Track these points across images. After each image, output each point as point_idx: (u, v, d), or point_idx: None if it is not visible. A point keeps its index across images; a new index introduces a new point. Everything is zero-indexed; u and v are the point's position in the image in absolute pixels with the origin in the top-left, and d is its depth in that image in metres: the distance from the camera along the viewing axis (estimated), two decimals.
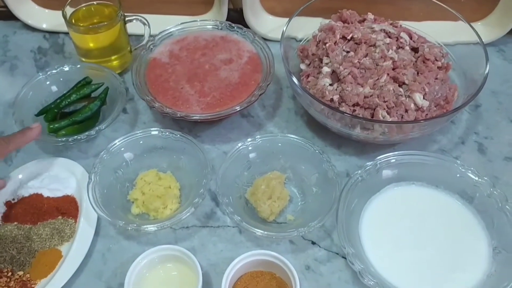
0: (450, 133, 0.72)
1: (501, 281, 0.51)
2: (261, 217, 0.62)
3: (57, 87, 0.74)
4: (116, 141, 0.64)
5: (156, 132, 0.65)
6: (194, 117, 0.66)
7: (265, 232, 0.57)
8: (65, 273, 0.56)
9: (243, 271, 0.56)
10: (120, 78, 0.73)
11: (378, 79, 0.65)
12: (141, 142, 0.65)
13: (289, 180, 0.66)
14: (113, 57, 0.78)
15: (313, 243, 0.61)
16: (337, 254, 0.60)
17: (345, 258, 0.58)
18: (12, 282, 0.55)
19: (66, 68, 0.74)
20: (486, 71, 0.64)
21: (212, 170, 0.63)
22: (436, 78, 0.66)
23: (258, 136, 0.66)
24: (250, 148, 0.65)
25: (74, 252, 0.58)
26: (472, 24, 0.72)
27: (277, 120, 0.75)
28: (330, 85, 0.67)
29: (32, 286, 0.56)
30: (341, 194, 0.57)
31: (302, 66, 0.74)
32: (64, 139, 0.65)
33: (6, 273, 0.56)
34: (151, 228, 0.57)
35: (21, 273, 0.56)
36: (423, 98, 0.64)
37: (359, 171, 0.60)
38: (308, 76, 0.71)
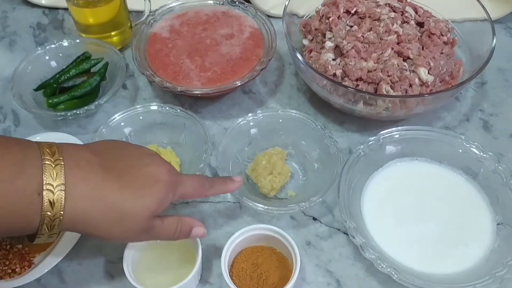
0: (455, 110, 0.71)
1: (504, 256, 0.50)
2: (262, 192, 0.61)
3: (56, 62, 0.73)
4: (116, 115, 0.64)
5: (155, 107, 0.65)
6: (195, 92, 0.66)
7: (266, 207, 0.56)
8: (64, 247, 0.55)
9: (243, 246, 0.56)
10: (120, 53, 0.72)
11: (382, 53, 0.64)
12: (140, 117, 0.65)
13: (291, 156, 0.65)
14: (113, 33, 0.77)
15: (314, 219, 0.60)
16: (339, 230, 0.59)
17: (346, 234, 0.58)
18: (11, 255, 0.55)
19: (65, 43, 0.73)
20: (493, 45, 0.63)
21: (213, 146, 0.63)
22: (442, 53, 0.65)
23: (260, 112, 0.65)
24: (251, 123, 0.64)
25: None
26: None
27: (279, 97, 0.74)
28: (333, 59, 0.66)
29: (31, 259, 0.55)
30: (342, 169, 0.57)
31: (305, 42, 0.73)
32: (63, 113, 0.65)
33: (4, 246, 0.56)
34: None
35: (19, 246, 0.56)
36: (428, 73, 0.63)
37: (362, 146, 0.59)
38: (310, 51, 0.70)
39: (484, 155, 0.57)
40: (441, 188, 0.58)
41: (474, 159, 0.58)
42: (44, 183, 0.41)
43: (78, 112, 0.65)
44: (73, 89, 0.68)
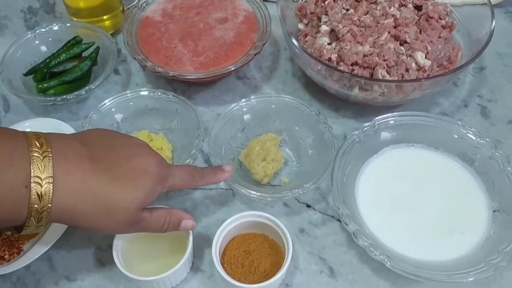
0: (453, 96, 0.70)
1: (500, 244, 0.49)
2: (255, 179, 0.60)
3: (47, 47, 0.71)
4: (106, 101, 0.63)
5: (146, 93, 0.63)
6: (187, 77, 0.64)
7: (258, 194, 0.56)
8: (53, 234, 0.55)
9: (235, 233, 0.55)
10: (111, 37, 0.70)
11: (378, 37, 0.62)
12: (131, 103, 0.63)
13: (285, 142, 0.64)
14: (105, 17, 0.75)
15: (308, 206, 0.60)
16: (332, 217, 0.58)
17: (340, 221, 0.57)
18: (0, 241, 0.54)
19: (56, 27, 0.71)
20: (492, 28, 0.61)
21: (205, 132, 0.61)
22: (439, 37, 0.63)
23: (253, 97, 0.64)
24: (244, 109, 0.63)
25: None
26: None
27: (273, 82, 0.72)
28: (329, 44, 0.65)
29: (20, 246, 0.55)
30: (336, 155, 0.56)
31: (300, 26, 0.71)
32: (52, 98, 0.63)
33: None
34: None
35: (8, 233, 0.55)
36: (425, 57, 0.61)
37: (356, 132, 0.58)
38: (306, 35, 0.69)
39: (481, 141, 0.56)
40: (437, 175, 0.57)
41: (471, 145, 0.57)
42: (32, 175, 0.40)
43: (68, 97, 0.64)
44: (63, 74, 0.67)
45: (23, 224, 0.42)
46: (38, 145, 0.41)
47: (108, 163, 0.44)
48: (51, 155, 0.41)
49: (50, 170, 0.41)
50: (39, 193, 0.40)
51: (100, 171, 0.43)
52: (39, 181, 0.40)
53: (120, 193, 0.44)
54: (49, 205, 0.41)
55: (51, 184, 0.41)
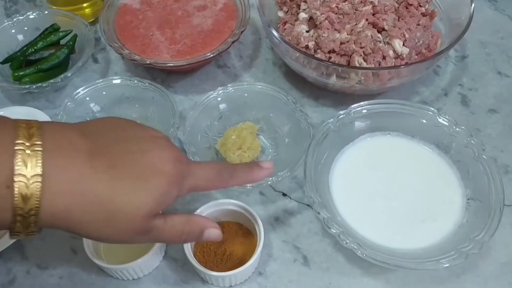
0: (434, 85, 0.69)
1: (472, 231, 0.49)
2: None
3: (24, 35, 0.71)
4: (80, 89, 0.62)
5: (118, 81, 0.63)
6: (164, 65, 0.64)
7: None
8: None
9: None
10: (88, 25, 0.69)
11: (356, 24, 0.62)
12: (104, 92, 0.63)
13: (262, 131, 0.63)
14: (84, 5, 0.75)
15: (284, 194, 0.59)
16: (308, 206, 0.58)
17: None
18: None
19: (33, 15, 0.71)
20: (471, 11, 0.61)
21: (182, 120, 0.61)
22: (418, 24, 0.63)
23: (230, 85, 0.63)
24: (221, 98, 0.63)
25: None
26: None
27: (254, 71, 0.72)
28: (307, 31, 0.64)
29: None
30: (310, 143, 0.55)
31: (280, 14, 0.70)
32: (27, 86, 0.63)
33: None
34: None
35: None
36: (403, 45, 0.61)
37: (331, 119, 0.57)
38: (285, 23, 0.68)
39: (457, 129, 0.56)
40: (412, 163, 0.56)
41: (447, 133, 0.56)
42: (15, 173, 0.33)
43: (43, 85, 0.63)
44: (39, 62, 0.66)
45: (11, 231, 0.36)
46: (27, 135, 0.34)
47: (112, 158, 0.37)
48: (41, 148, 0.34)
49: (38, 167, 0.34)
50: (24, 194, 0.33)
51: (101, 168, 0.36)
52: (24, 180, 0.33)
53: (125, 196, 0.36)
54: (37, 208, 0.34)
55: (39, 184, 0.34)
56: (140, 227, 0.38)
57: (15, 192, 0.33)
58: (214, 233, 0.43)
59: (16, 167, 0.33)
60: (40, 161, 0.34)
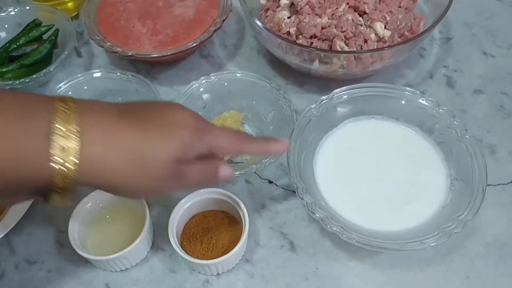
0: (418, 67, 0.69)
1: (456, 211, 0.49)
2: None
3: (6, 32, 0.71)
4: (61, 84, 0.62)
5: (99, 74, 0.63)
6: (146, 56, 0.63)
7: None
8: (13, 218, 0.54)
9: (195, 211, 0.55)
10: (70, 19, 0.69)
11: (336, 8, 0.61)
12: (85, 87, 0.62)
13: (247, 119, 0.63)
14: None
15: (270, 182, 0.59)
16: (294, 192, 0.58)
17: None
18: None
19: (14, 11, 0.70)
20: None
21: None
22: (400, 7, 0.62)
23: (213, 75, 0.63)
24: (203, 87, 0.62)
25: None
26: None
27: (238, 60, 0.72)
28: (288, 17, 0.64)
29: None
30: (293, 129, 0.55)
31: (262, 1, 0.70)
32: (10, 82, 0.63)
33: None
34: None
35: None
36: (385, 27, 0.60)
37: (314, 105, 0.57)
38: (267, 10, 0.68)
39: (440, 110, 0.56)
40: (397, 146, 0.56)
41: (430, 114, 0.56)
42: (55, 126, 0.36)
43: (26, 80, 0.63)
44: (22, 58, 0.66)
45: (48, 190, 0.37)
46: (64, 101, 0.38)
47: (140, 117, 0.40)
48: (76, 109, 0.37)
49: (74, 123, 0.37)
50: (63, 146, 0.36)
51: (132, 123, 0.39)
52: (62, 133, 0.36)
53: (155, 144, 0.39)
54: (75, 160, 0.36)
55: (76, 136, 0.36)
56: (169, 172, 0.40)
57: (54, 144, 0.36)
58: (226, 170, 0.45)
59: (54, 122, 0.36)
60: (75, 118, 0.37)
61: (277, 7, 0.66)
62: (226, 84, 0.63)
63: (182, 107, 0.44)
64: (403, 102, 0.57)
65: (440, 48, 0.71)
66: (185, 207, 0.53)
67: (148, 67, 0.70)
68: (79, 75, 0.63)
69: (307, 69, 0.62)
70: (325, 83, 0.67)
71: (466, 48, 0.71)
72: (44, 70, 0.64)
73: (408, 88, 0.58)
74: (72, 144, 0.36)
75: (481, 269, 0.51)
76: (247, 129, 0.62)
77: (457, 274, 0.51)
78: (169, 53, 0.63)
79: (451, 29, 0.73)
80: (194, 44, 0.63)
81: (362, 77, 0.65)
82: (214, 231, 0.53)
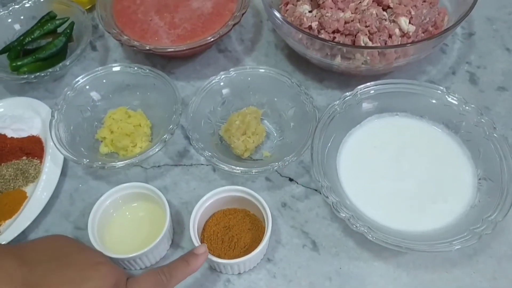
0: (441, 63, 0.68)
1: (485, 212, 0.48)
2: (236, 154, 0.59)
3: (20, 24, 0.69)
4: (79, 78, 0.61)
5: (118, 68, 0.61)
6: (164, 50, 0.62)
7: (235, 168, 0.54)
8: (30, 214, 0.54)
9: (215, 209, 0.54)
10: (85, 12, 0.68)
11: (360, 2, 0.60)
12: (104, 80, 0.61)
13: (267, 116, 0.62)
14: None
15: (291, 179, 0.58)
16: (315, 190, 0.57)
17: None
18: None
19: (28, 4, 0.69)
20: None
21: (185, 106, 0.60)
22: (424, 1, 0.61)
23: (232, 70, 0.62)
24: (223, 82, 0.61)
25: (39, 192, 0.55)
26: None
27: (255, 55, 0.70)
28: (310, 11, 0.62)
29: None
30: (316, 126, 0.54)
31: None
32: (25, 76, 0.62)
33: None
34: (118, 164, 0.54)
35: None
36: (409, 22, 0.59)
37: (337, 102, 0.56)
38: (287, 4, 0.66)
39: (466, 108, 0.54)
40: (422, 144, 0.55)
41: (456, 112, 0.55)
42: None
43: (42, 74, 0.62)
44: (37, 51, 0.65)
45: None
46: None
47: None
48: None
49: None
50: None
51: None
52: None
53: None
54: None
55: None
56: None
57: None
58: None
59: None
60: None
61: (298, 0, 0.64)
62: (245, 79, 0.62)
63: (103, 272, 0.42)
64: (428, 99, 0.56)
65: (462, 43, 0.70)
66: (206, 205, 0.52)
67: (164, 61, 0.69)
68: (99, 68, 0.61)
69: (329, 65, 0.61)
70: (345, 79, 0.66)
71: (488, 44, 0.70)
72: (60, 64, 0.63)
73: (433, 85, 0.56)
74: None
75: (509, 270, 0.50)
76: (267, 125, 0.61)
77: (484, 275, 0.50)
78: (187, 48, 0.62)
79: (473, 24, 0.71)
80: (213, 39, 0.62)
81: (384, 73, 0.64)
82: (235, 229, 0.52)
